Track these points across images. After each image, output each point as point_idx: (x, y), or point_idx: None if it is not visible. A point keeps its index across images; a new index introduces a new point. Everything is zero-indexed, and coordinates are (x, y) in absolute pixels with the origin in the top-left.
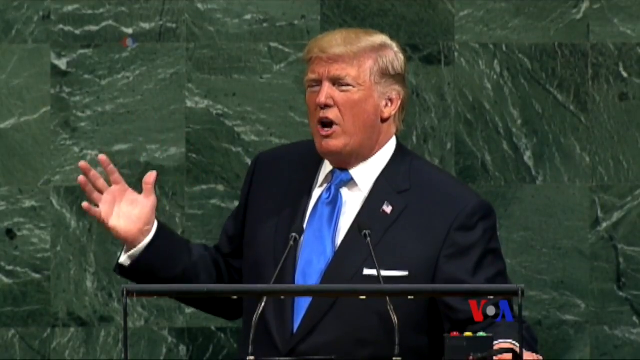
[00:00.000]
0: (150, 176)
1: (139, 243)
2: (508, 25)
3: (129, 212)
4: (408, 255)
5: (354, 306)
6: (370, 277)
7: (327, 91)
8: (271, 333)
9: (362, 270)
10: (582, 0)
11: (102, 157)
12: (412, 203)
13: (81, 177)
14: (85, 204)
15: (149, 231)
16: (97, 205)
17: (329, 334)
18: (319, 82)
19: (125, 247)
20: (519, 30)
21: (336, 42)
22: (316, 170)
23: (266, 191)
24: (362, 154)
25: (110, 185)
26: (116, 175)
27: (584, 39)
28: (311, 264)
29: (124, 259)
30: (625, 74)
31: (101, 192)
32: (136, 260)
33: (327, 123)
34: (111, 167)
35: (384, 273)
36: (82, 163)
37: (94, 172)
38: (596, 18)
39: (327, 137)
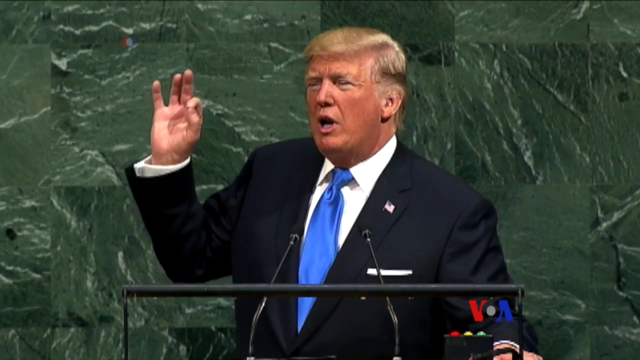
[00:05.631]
0: (193, 100)
1: (167, 163)
2: (508, 25)
3: (179, 130)
4: (411, 254)
5: (359, 305)
6: (374, 277)
7: (327, 89)
8: (275, 333)
9: (366, 270)
10: (582, 0)
11: (188, 72)
12: (414, 202)
13: (156, 83)
14: (156, 83)
15: (178, 160)
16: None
17: (334, 333)
18: (319, 80)
19: (151, 159)
20: (519, 30)
21: (337, 40)
22: (317, 169)
23: (265, 188)
24: (362, 153)
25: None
26: (188, 96)
27: (584, 39)
28: (314, 264)
29: (142, 164)
30: (625, 74)
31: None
32: (153, 178)
33: (327, 121)
34: (189, 86)
35: (387, 272)
36: (156, 84)
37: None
38: (596, 18)
39: (327, 134)
